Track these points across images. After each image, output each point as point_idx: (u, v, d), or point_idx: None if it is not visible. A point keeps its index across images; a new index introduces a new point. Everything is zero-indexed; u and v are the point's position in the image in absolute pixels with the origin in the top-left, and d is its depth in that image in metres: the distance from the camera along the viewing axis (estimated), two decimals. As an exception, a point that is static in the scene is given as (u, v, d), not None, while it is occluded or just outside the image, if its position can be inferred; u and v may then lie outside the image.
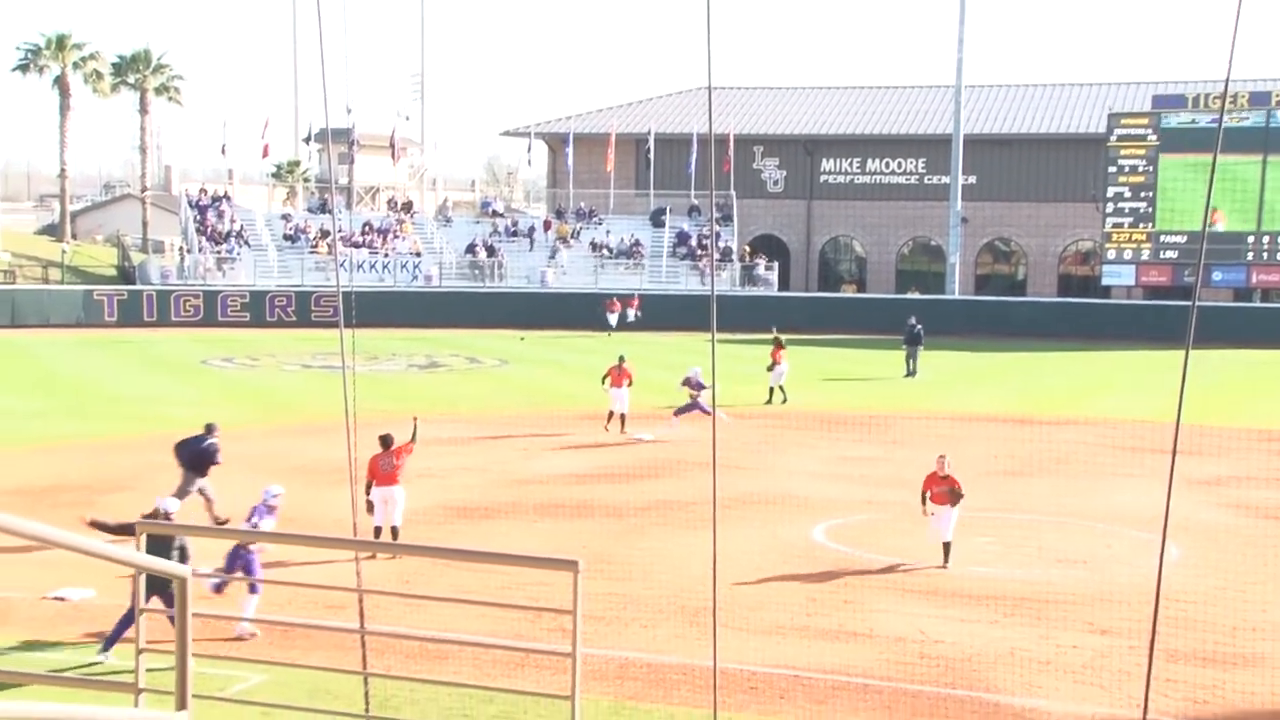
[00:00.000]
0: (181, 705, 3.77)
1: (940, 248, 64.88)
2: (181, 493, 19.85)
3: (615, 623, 16.00)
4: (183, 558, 13.73)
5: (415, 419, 19.95)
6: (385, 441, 18.93)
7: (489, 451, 27.30)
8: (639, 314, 54.16)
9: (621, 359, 30.40)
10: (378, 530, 18.54)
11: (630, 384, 29.72)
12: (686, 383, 29.83)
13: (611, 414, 29.51)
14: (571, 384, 37.43)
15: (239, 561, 15.06)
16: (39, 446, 27.04)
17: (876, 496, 23.07)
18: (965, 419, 32.29)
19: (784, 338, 36.08)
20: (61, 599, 16.11)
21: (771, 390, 34.61)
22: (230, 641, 14.69)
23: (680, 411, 29.55)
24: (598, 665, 14.56)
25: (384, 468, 18.81)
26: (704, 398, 28.99)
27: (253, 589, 15.15)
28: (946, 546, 18.38)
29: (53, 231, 75.07)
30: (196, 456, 20.16)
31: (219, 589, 15.45)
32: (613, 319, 53.49)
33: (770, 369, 34.72)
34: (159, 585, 13.23)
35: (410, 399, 33.80)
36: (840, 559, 19.06)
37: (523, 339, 49.74)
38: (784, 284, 63.65)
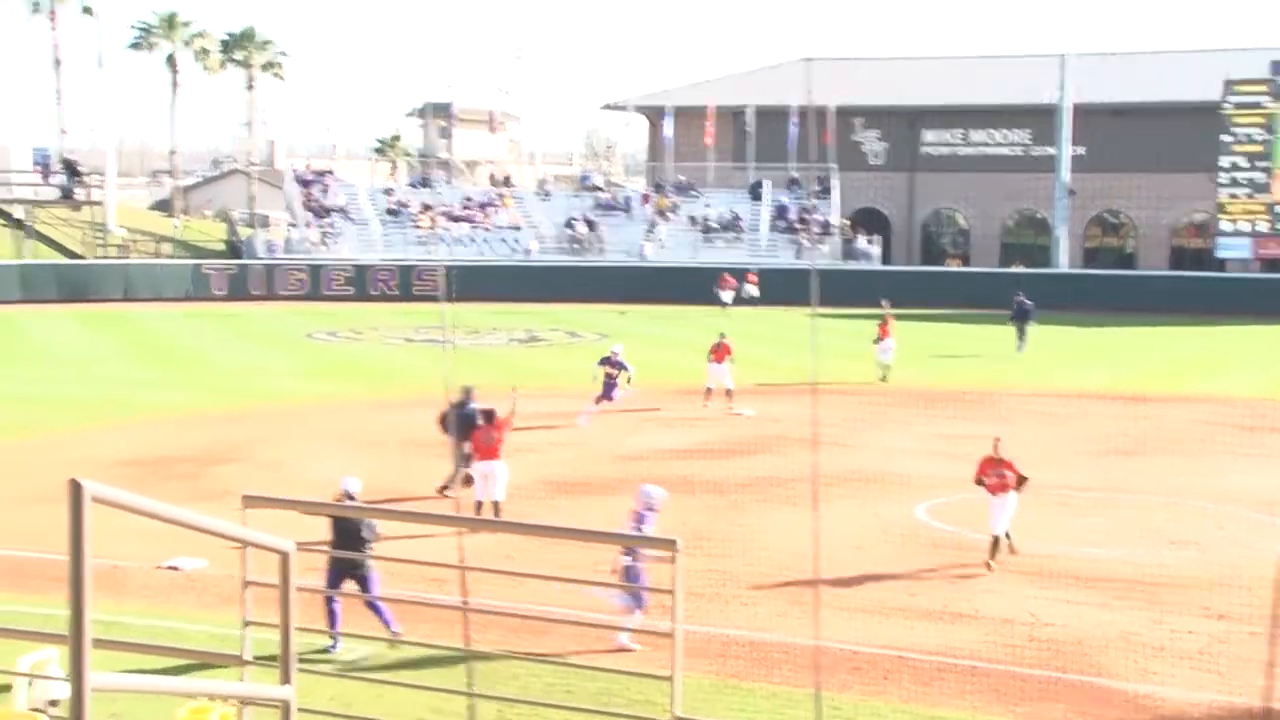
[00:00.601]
0: (285, 679, 3.74)
1: (1046, 220, 63.61)
2: (457, 462, 20.25)
3: (716, 600, 15.90)
4: (373, 536, 13.82)
5: (514, 391, 19.89)
6: (487, 416, 18.96)
7: (590, 426, 27.29)
8: (758, 290, 52.68)
9: (722, 335, 30.31)
10: (478, 505, 18.60)
11: (731, 360, 29.64)
12: (606, 361, 27.81)
13: (709, 390, 29.40)
14: (672, 359, 37.31)
15: (630, 575, 13.80)
16: (150, 418, 27.60)
17: (981, 474, 22.66)
18: (1073, 396, 31.66)
19: (893, 313, 35.45)
20: (175, 569, 16.39)
21: (882, 367, 34.07)
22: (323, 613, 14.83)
23: (601, 398, 27.43)
24: (699, 643, 14.46)
25: (485, 442, 18.86)
26: (619, 381, 27.44)
27: (638, 601, 13.92)
28: (995, 541, 17.25)
29: (165, 207, 76.70)
30: (462, 422, 20.39)
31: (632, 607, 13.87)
32: (727, 296, 50.66)
33: (876, 343, 34.19)
34: (346, 568, 13.38)
35: (511, 373, 33.94)
36: (944, 538, 18.75)
37: (623, 314, 49.71)
38: (885, 258, 62.90)
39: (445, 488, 20.04)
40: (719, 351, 29.70)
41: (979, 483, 17.67)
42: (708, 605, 15.68)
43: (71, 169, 59.23)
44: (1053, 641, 14.41)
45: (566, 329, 46.20)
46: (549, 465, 23.08)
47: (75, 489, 2.56)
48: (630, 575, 13.79)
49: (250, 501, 4.28)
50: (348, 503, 14.36)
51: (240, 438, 25.47)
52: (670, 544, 4.09)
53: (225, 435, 25.77)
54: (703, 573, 16.95)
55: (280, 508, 4.42)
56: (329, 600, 13.45)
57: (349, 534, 13.59)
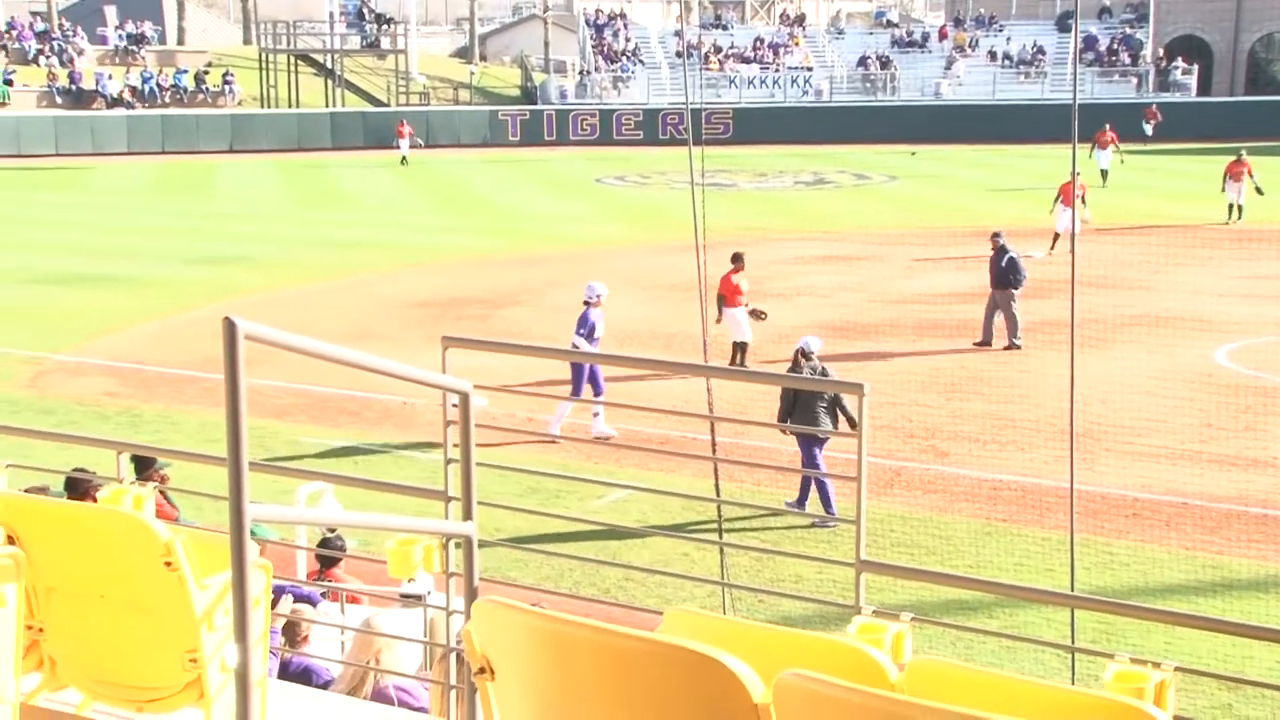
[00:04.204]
0: (468, 516, 3.85)
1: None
2: (990, 314, 20.39)
3: (991, 444, 15.58)
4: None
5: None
6: (736, 259, 18.81)
7: (870, 269, 26.84)
8: (1155, 128, 48.07)
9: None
10: (735, 346, 18.57)
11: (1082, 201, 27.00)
12: (584, 328, 16.19)
13: (1057, 235, 27.05)
14: (962, 199, 36.15)
15: None
16: (446, 261, 28.70)
17: (1292, 318, 21.23)
18: None
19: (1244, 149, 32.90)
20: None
21: (1230, 207, 31.88)
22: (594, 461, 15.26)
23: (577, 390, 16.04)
24: (968, 486, 14.26)
25: (738, 283, 18.72)
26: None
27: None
28: None
29: (465, 54, 78.58)
30: (1002, 274, 20.39)
31: None
32: (1104, 156, 38.51)
33: (1224, 185, 31.91)
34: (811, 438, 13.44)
35: (794, 216, 33.69)
36: (1244, 382, 17.71)
37: (914, 154, 48.32)
38: (1204, 89, 58.70)
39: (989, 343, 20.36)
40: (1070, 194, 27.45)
41: None
42: (982, 450, 15.40)
43: (379, 18, 61.28)
44: (1357, 494, 13.49)
45: (854, 171, 45.27)
46: (828, 309, 22.85)
47: (229, 327, 2.62)
48: None
49: (449, 342, 4.37)
50: (803, 363, 13.87)
51: (530, 281, 26.20)
52: (858, 388, 3.95)
53: (515, 279, 26.56)
54: (978, 416, 16.66)
55: (475, 348, 4.51)
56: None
57: (808, 400, 13.32)
